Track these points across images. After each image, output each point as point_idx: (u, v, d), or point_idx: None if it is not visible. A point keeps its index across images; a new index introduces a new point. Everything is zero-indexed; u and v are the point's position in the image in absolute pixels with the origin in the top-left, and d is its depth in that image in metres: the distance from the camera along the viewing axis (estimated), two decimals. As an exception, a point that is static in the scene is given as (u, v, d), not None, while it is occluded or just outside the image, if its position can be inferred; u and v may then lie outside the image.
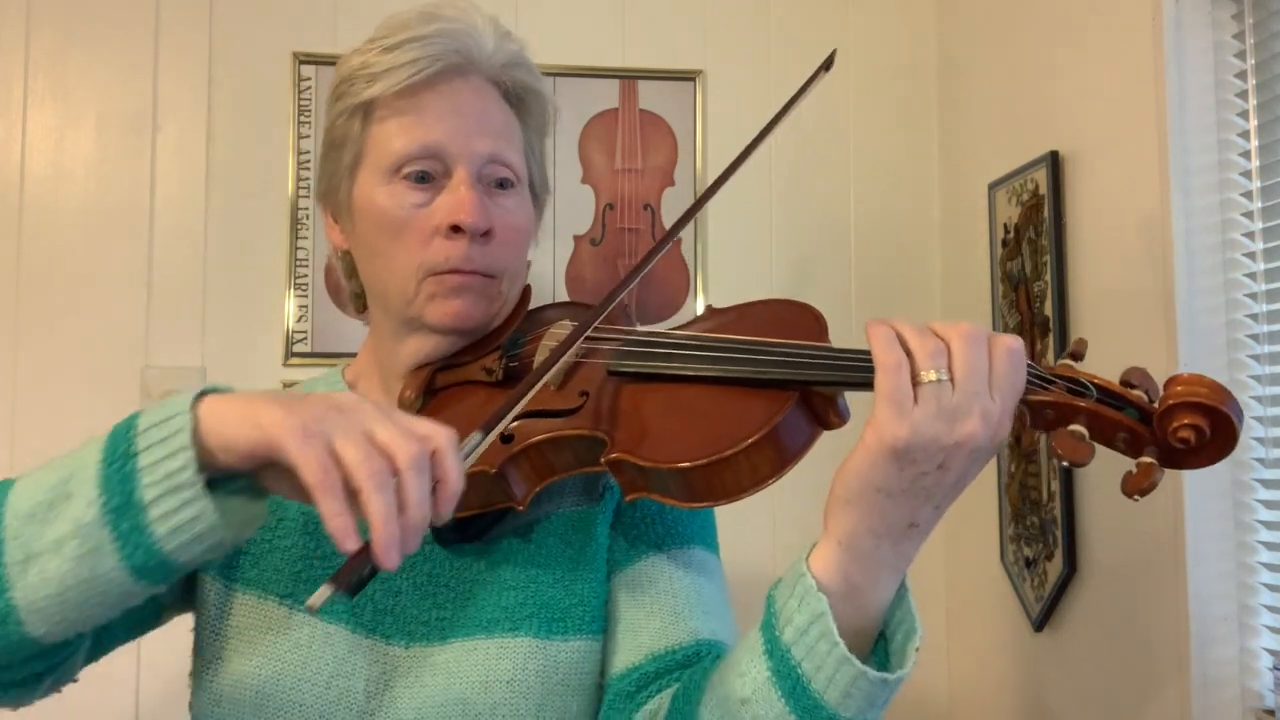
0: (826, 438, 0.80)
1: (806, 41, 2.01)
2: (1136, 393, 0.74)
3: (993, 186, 1.77)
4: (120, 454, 0.69)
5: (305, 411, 0.67)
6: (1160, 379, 0.75)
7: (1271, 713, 1.22)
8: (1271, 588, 1.26)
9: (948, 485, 0.70)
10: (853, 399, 0.79)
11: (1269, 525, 1.26)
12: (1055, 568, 1.54)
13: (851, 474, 0.70)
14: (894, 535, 0.71)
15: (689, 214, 0.96)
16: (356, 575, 0.64)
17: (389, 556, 0.63)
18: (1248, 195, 1.31)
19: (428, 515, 0.66)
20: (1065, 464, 0.71)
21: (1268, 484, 1.27)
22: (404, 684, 0.86)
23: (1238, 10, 1.32)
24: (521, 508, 0.85)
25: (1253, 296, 1.30)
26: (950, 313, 1.97)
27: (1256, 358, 1.29)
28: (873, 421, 0.69)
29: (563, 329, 0.92)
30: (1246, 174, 1.32)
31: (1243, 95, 1.32)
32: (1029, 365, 0.73)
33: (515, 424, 0.85)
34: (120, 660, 1.73)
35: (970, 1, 1.92)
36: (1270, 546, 1.26)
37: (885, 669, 0.74)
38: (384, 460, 0.65)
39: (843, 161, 2.00)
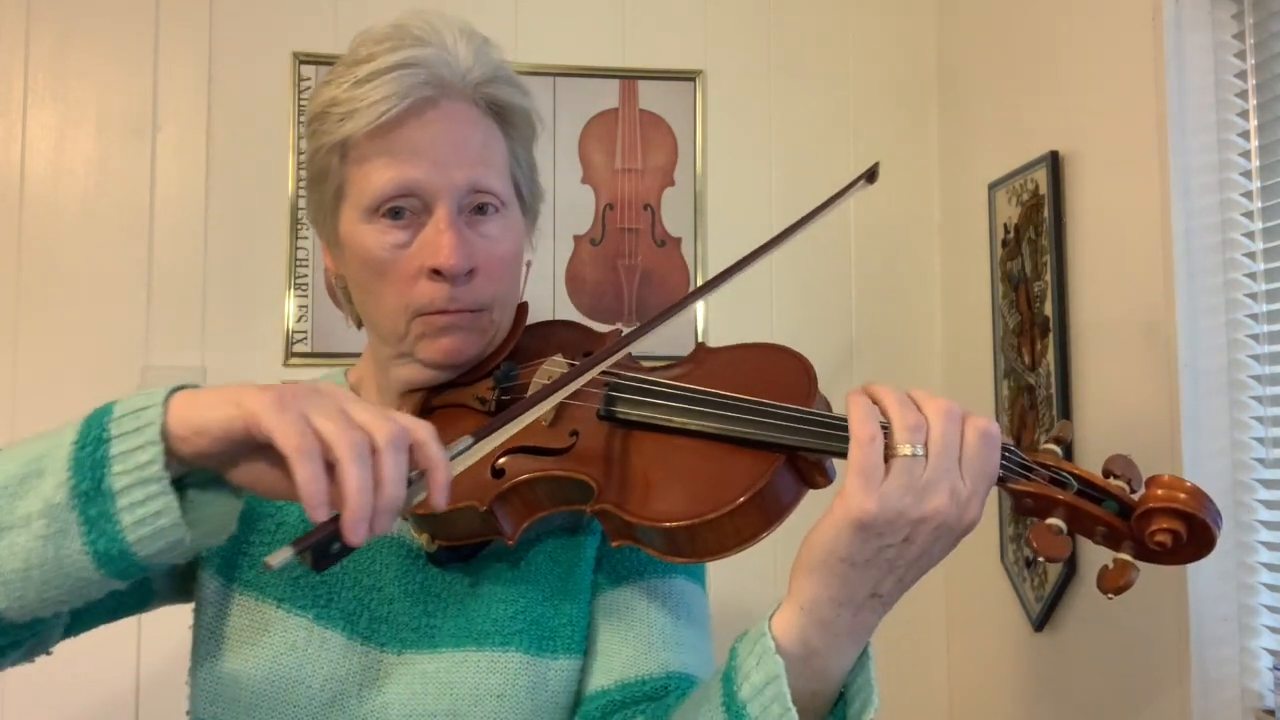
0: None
1: (806, 42, 2.01)
2: (1117, 483, 0.74)
3: (993, 186, 1.77)
4: (94, 438, 0.68)
5: (283, 390, 0.68)
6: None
7: (1271, 713, 1.22)
8: (1271, 588, 1.26)
9: (910, 558, 0.70)
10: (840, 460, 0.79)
11: (1269, 525, 1.26)
12: (1055, 568, 1.54)
13: (817, 542, 0.71)
14: (855, 604, 0.71)
15: (707, 285, 0.92)
16: (321, 545, 0.63)
17: (357, 530, 0.63)
18: (1248, 195, 1.31)
19: (401, 496, 0.65)
20: (1041, 560, 0.72)
21: (1268, 484, 1.27)
22: (395, 691, 0.87)
23: (1238, 10, 1.32)
24: (511, 542, 0.85)
25: (1253, 296, 1.30)
26: (950, 313, 1.97)
27: (1257, 358, 1.29)
28: (842, 492, 0.70)
29: (555, 366, 0.92)
30: (1246, 174, 1.32)
31: (1243, 95, 1.32)
32: (1012, 452, 0.74)
33: (505, 459, 0.86)
34: (119, 653, 1.74)
35: (970, 2, 1.92)
36: (1270, 546, 1.26)
37: None
38: (362, 434, 0.65)
39: (843, 161, 2.00)
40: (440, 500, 0.67)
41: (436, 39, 0.89)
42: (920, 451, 0.69)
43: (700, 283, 1.93)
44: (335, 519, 0.63)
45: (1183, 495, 0.71)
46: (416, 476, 0.67)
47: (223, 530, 0.73)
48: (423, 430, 0.68)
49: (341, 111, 0.88)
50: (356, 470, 0.63)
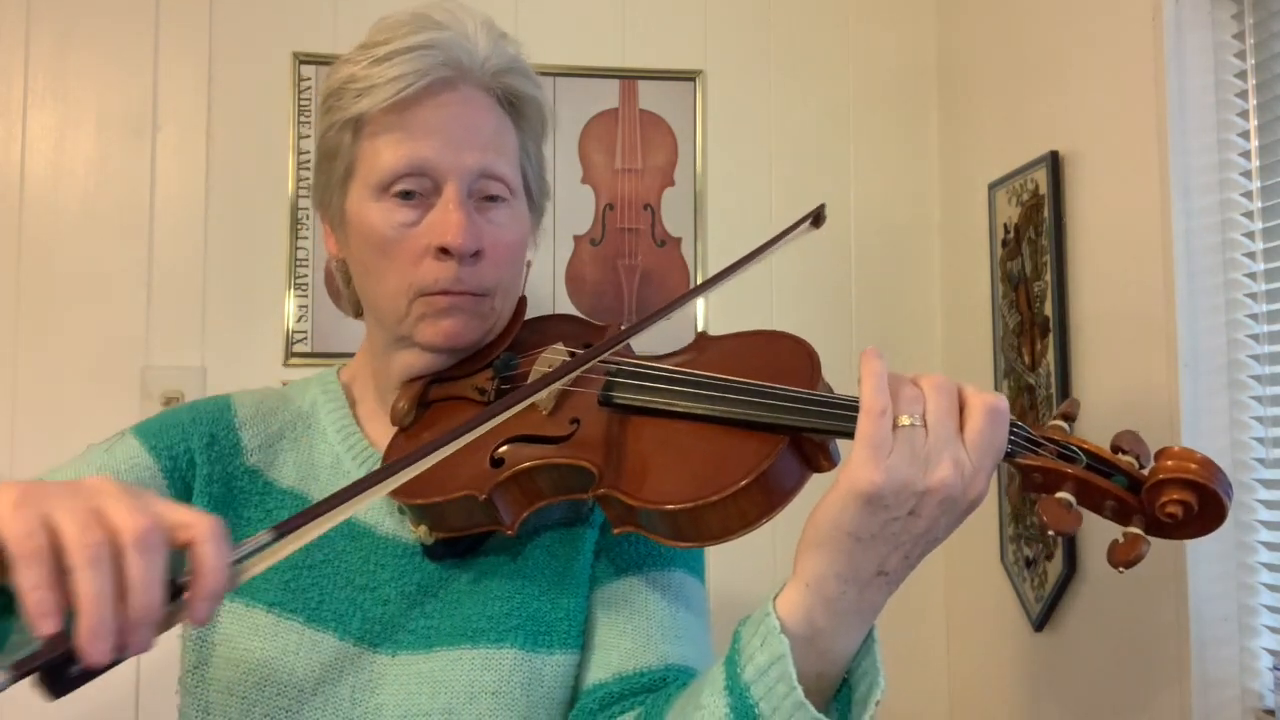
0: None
1: (806, 42, 2.01)
2: (1126, 458, 0.74)
3: (993, 186, 1.77)
4: None
5: (33, 488, 0.60)
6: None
7: (1271, 713, 1.22)
8: (1271, 588, 1.26)
9: (916, 533, 0.69)
10: (844, 442, 0.77)
11: (1269, 525, 1.26)
12: (1055, 568, 1.54)
13: (823, 517, 0.70)
14: (861, 581, 0.70)
15: (668, 308, 0.92)
16: (53, 666, 0.56)
17: (95, 647, 0.56)
18: (1248, 195, 1.31)
19: (154, 606, 0.57)
20: (1052, 533, 0.71)
21: (1268, 484, 1.27)
22: (390, 692, 0.86)
23: (1238, 10, 1.32)
24: (511, 532, 0.85)
25: (1253, 296, 1.30)
26: (950, 313, 1.97)
27: (1256, 358, 1.29)
28: (848, 465, 0.69)
29: (556, 354, 0.91)
30: (1246, 174, 1.32)
31: (1243, 95, 1.32)
32: (1020, 427, 0.73)
33: (505, 448, 0.85)
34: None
35: (970, 2, 1.92)
36: (1270, 546, 1.26)
37: (846, 717, 0.73)
38: (104, 534, 0.57)
39: (843, 161, 2.00)
40: (200, 614, 0.59)
41: (457, 25, 0.91)
42: (919, 421, 0.68)
43: (699, 278, 1.93)
44: (66, 634, 0.56)
45: (1193, 465, 0.70)
46: (187, 581, 0.59)
47: (22, 646, 0.69)
48: (199, 528, 0.60)
49: (359, 87, 0.89)
50: (90, 575, 0.56)
